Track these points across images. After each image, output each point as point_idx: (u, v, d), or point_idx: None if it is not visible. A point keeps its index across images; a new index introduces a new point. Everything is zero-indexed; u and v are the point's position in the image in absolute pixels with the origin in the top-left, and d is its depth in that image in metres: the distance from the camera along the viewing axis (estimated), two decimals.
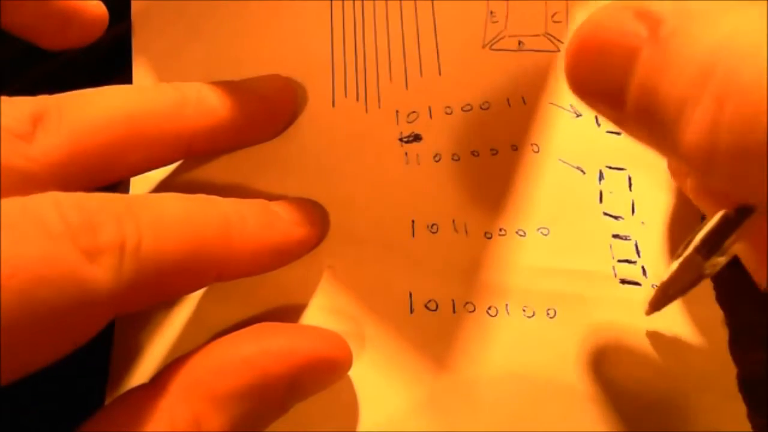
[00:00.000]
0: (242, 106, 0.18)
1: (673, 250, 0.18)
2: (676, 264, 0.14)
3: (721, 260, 0.13)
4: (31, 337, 0.12)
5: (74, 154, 0.15)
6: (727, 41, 0.10)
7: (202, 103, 0.17)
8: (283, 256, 0.17)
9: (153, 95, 0.17)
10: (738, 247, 0.13)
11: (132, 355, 0.18)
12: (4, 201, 0.12)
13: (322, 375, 0.16)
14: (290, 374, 0.15)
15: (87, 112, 0.15)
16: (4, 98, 0.15)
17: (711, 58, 0.10)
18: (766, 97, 0.09)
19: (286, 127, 0.19)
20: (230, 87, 0.18)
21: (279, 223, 0.17)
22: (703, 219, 0.14)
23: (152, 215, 0.14)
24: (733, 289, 0.17)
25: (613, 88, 0.11)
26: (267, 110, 0.19)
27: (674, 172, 0.17)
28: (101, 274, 0.12)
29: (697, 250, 0.13)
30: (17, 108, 0.15)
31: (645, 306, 0.15)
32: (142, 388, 0.14)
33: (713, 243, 0.13)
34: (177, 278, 0.14)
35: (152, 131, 0.16)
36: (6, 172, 0.14)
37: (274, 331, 0.16)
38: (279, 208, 0.17)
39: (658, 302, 0.15)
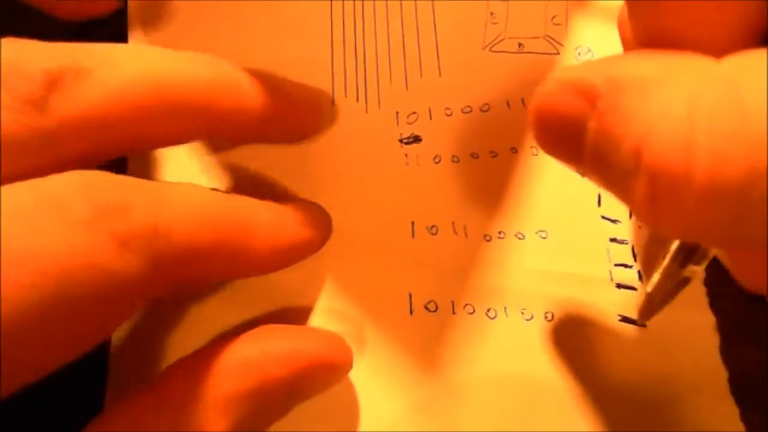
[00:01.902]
0: (270, 103, 0.17)
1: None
2: (657, 274, 0.15)
3: (699, 267, 0.14)
4: (52, 337, 0.11)
5: (95, 119, 0.13)
6: (651, 124, 0.10)
7: (236, 89, 0.16)
8: (292, 257, 0.17)
9: (187, 66, 0.15)
10: (715, 250, 0.14)
11: (132, 356, 0.17)
12: (24, 184, 0.11)
13: (323, 377, 0.16)
14: (291, 377, 0.15)
15: (112, 75, 0.14)
16: (5, 40, 0.13)
17: (639, 138, 0.10)
18: (689, 181, 0.09)
19: (303, 138, 0.19)
20: (265, 82, 0.17)
21: (290, 223, 0.17)
22: None
23: (182, 202, 0.13)
24: (727, 290, 0.17)
25: (571, 151, 0.12)
26: (292, 115, 0.18)
27: None
28: (132, 261, 0.12)
29: (673, 260, 0.14)
30: (29, 64, 0.13)
31: (637, 315, 0.16)
32: (142, 390, 0.14)
33: (686, 253, 0.14)
34: (201, 268, 0.14)
35: (182, 105, 0.15)
36: (14, 144, 0.12)
37: (275, 333, 0.16)
38: (287, 209, 0.17)
39: (647, 311, 0.16)
